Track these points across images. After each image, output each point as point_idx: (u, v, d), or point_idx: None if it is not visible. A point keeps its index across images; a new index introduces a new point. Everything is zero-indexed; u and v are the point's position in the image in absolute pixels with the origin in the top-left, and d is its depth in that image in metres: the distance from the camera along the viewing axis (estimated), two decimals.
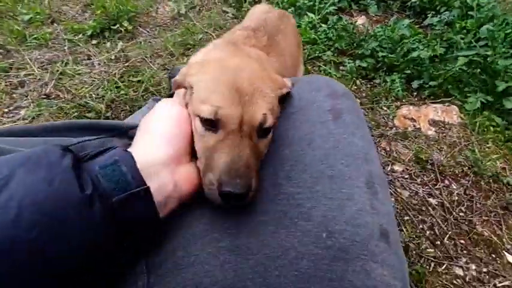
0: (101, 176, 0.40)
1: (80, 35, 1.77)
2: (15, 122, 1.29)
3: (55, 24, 1.86)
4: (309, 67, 1.69)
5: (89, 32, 1.77)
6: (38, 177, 0.36)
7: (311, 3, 2.05)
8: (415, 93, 1.55)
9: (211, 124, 0.53)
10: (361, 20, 2.15)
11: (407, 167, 1.24)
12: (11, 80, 1.44)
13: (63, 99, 1.40)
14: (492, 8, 1.80)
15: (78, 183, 0.38)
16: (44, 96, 1.40)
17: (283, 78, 0.66)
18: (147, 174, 0.43)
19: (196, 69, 0.61)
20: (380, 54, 1.60)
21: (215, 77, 0.58)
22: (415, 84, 1.53)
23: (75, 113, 1.33)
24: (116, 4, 1.93)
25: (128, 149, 0.47)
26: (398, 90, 1.50)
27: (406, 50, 1.61)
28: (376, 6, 2.17)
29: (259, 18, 1.11)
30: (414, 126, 1.38)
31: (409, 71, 1.55)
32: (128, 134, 0.61)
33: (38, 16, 1.87)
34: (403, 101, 1.52)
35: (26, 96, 1.39)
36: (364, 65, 1.63)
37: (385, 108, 1.47)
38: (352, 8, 2.24)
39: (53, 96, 1.41)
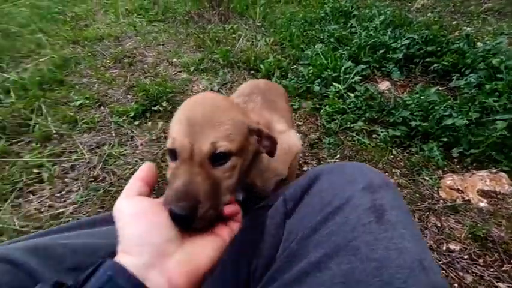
0: None
1: (124, 117, 1.93)
2: (65, 206, 1.35)
3: (102, 108, 2.05)
4: (342, 137, 1.71)
5: (132, 114, 1.93)
6: None
7: (336, 74, 2.16)
8: (456, 161, 1.51)
9: (173, 154, 0.61)
10: (385, 85, 2.22)
11: (465, 246, 1.15)
12: (63, 164, 1.55)
13: (109, 182, 1.47)
14: None
15: None
16: (92, 179, 1.48)
17: (260, 122, 0.75)
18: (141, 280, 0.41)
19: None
20: (413, 123, 1.60)
21: (178, 111, 0.67)
22: (455, 152, 1.50)
23: None
24: (156, 86, 2.12)
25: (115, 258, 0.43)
26: (438, 159, 1.47)
27: (438, 117, 1.61)
28: (399, 72, 2.25)
29: (250, 85, 1.30)
30: (463, 198, 1.31)
31: (445, 139, 1.53)
32: None
33: (87, 101, 2.08)
34: (445, 169, 1.48)
35: (76, 180, 1.47)
36: (398, 133, 1.63)
37: (427, 179, 1.42)
38: (375, 75, 2.33)
39: (100, 178, 1.50)
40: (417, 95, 1.78)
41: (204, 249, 0.49)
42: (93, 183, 1.46)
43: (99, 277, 0.39)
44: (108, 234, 0.68)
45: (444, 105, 1.66)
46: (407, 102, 1.73)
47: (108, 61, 2.71)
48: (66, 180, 1.47)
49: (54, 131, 1.75)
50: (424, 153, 1.52)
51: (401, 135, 1.63)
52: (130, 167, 1.56)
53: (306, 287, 0.48)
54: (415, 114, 1.67)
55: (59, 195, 1.40)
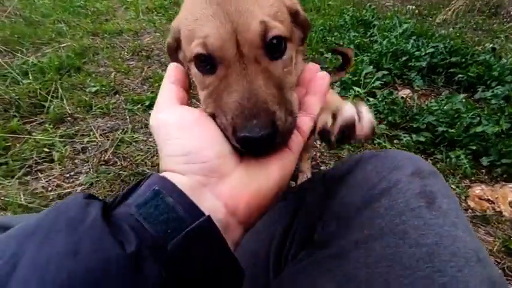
0: (142, 218, 0.29)
1: (139, 105, 1.89)
2: (73, 187, 1.30)
3: (117, 95, 2.03)
4: (362, 140, 1.65)
5: (147, 103, 1.90)
6: (57, 247, 0.26)
7: (356, 78, 2.11)
8: (484, 171, 1.43)
9: (207, 63, 0.44)
10: (405, 93, 2.16)
11: (498, 259, 1.06)
12: (75, 146, 1.52)
13: (120, 166, 1.42)
14: None
15: (115, 240, 0.27)
16: (103, 163, 1.44)
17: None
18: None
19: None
20: (439, 128, 1.54)
21: (195, 4, 0.46)
22: (484, 161, 1.42)
23: (131, 180, 1.33)
24: None
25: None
26: (466, 168, 1.39)
27: (465, 124, 1.54)
28: (421, 80, 2.19)
29: None
30: (493, 209, 1.23)
31: (474, 147, 1.46)
32: None
33: (103, 88, 2.06)
34: (472, 178, 1.40)
35: (87, 162, 1.43)
36: (422, 139, 1.56)
37: (454, 187, 1.35)
38: (396, 82, 2.27)
39: (111, 162, 1.45)
40: (442, 102, 1.72)
41: (268, 169, 0.39)
42: (103, 166, 1.41)
43: (142, 192, 0.32)
44: None
45: (471, 113, 1.59)
46: (433, 109, 1.67)
47: (126, 53, 2.71)
48: (76, 161, 1.43)
49: (69, 113, 1.72)
50: (451, 161, 1.45)
51: (425, 142, 1.56)
52: (142, 153, 1.52)
53: (346, 263, 0.44)
54: (441, 120, 1.60)
55: (67, 175, 1.36)
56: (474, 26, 3.47)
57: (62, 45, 2.48)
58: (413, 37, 2.61)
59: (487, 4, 3.73)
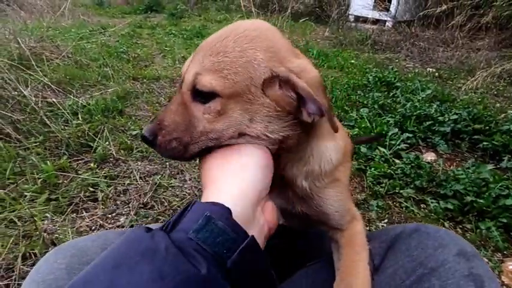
0: (201, 242, 0.35)
1: None
2: (114, 228, 1.38)
3: None
4: (390, 202, 1.68)
5: None
6: (144, 275, 0.30)
7: (382, 139, 2.20)
8: None
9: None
10: (430, 156, 2.21)
11: None
12: (117, 187, 1.62)
13: (158, 211, 1.50)
14: None
15: (189, 263, 0.32)
16: (142, 206, 1.52)
17: (301, 64, 0.53)
18: (244, 221, 0.40)
19: None
20: (467, 198, 1.56)
21: None
22: None
23: None
24: None
25: (205, 199, 0.44)
26: (497, 240, 1.39)
27: (494, 195, 1.56)
28: (445, 145, 2.25)
29: None
30: None
31: (505, 219, 1.46)
32: None
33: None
34: (505, 252, 1.38)
35: (127, 204, 1.52)
36: (450, 206, 1.58)
37: (486, 260, 1.34)
38: (419, 145, 2.34)
39: (149, 206, 1.53)
40: (469, 170, 1.75)
41: None
42: (142, 209, 1.49)
43: (195, 218, 0.37)
44: None
45: (500, 184, 1.61)
46: (460, 176, 1.70)
47: (163, 99, 2.94)
48: (118, 202, 1.52)
49: (112, 154, 1.86)
50: (481, 232, 1.45)
51: (454, 209, 1.58)
52: (178, 199, 1.60)
53: None
54: (468, 189, 1.63)
55: (110, 216, 1.44)
56: (495, 92, 3.58)
57: (109, 89, 2.73)
58: (436, 102, 2.73)
59: (507, 71, 3.87)
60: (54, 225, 1.29)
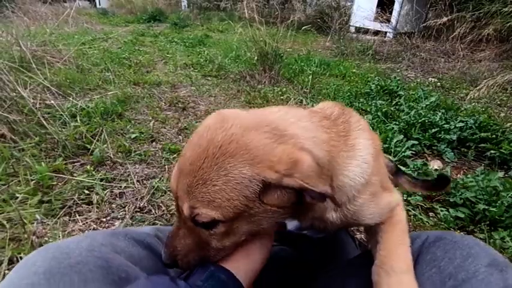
0: None
1: (175, 155, 1.97)
2: None
3: (154, 143, 2.12)
4: None
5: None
6: None
7: (386, 145, 2.15)
8: None
9: None
10: (436, 164, 2.15)
11: None
12: (113, 190, 1.56)
13: (155, 215, 1.43)
14: None
15: None
16: (138, 210, 1.45)
17: (288, 155, 0.48)
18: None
19: None
20: (479, 206, 1.49)
21: (192, 135, 0.57)
22: None
23: None
24: None
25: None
26: None
27: (506, 204, 1.49)
28: (452, 153, 2.19)
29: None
30: None
31: None
32: None
33: (142, 135, 2.17)
34: None
35: (123, 208, 1.45)
36: (460, 215, 1.52)
37: None
38: (425, 152, 2.29)
39: (146, 210, 1.47)
40: (478, 178, 1.70)
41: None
42: (138, 213, 1.43)
43: (202, 270, 0.54)
44: None
45: (511, 193, 1.55)
46: (469, 184, 1.64)
47: (163, 103, 2.90)
48: (113, 206, 1.46)
49: (110, 157, 1.80)
50: (495, 242, 1.38)
51: (464, 218, 1.51)
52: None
53: None
54: (479, 197, 1.57)
55: (104, 219, 1.37)
56: (498, 103, 3.55)
57: (109, 93, 2.69)
58: (441, 110, 2.69)
59: (509, 82, 3.85)
60: (44, 228, 1.22)
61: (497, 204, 1.49)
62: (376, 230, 0.67)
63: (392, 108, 2.82)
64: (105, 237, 0.58)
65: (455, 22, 5.31)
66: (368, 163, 0.62)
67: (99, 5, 11.35)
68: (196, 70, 4.18)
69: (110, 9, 10.29)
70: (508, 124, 2.55)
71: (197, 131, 0.56)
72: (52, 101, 2.29)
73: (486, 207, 1.49)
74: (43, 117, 1.95)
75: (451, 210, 1.57)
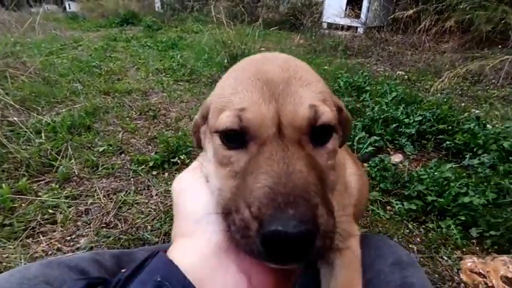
0: None
1: (143, 166, 1.98)
2: (73, 251, 1.33)
3: (123, 155, 2.13)
4: None
5: (151, 163, 1.99)
6: None
7: (349, 143, 2.24)
8: (475, 242, 1.46)
9: (237, 139, 0.38)
10: (398, 158, 2.26)
11: None
12: (79, 207, 1.57)
13: (121, 230, 1.46)
14: None
15: None
16: (104, 225, 1.48)
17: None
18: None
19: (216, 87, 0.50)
20: (429, 198, 1.60)
21: (235, 76, 0.44)
22: (474, 232, 1.46)
23: (131, 246, 1.36)
24: (176, 139, 2.22)
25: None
26: (456, 238, 1.42)
27: (454, 194, 1.61)
28: (411, 146, 2.31)
29: None
30: (486, 283, 1.24)
31: (463, 217, 1.51)
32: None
33: (110, 148, 2.17)
34: (464, 249, 1.42)
35: (89, 224, 1.47)
36: (413, 207, 1.62)
37: (445, 258, 1.37)
38: (387, 147, 2.40)
39: (112, 225, 1.49)
40: (431, 170, 1.81)
41: None
42: (104, 229, 1.45)
43: (147, 279, 0.33)
44: None
45: (459, 182, 1.67)
46: (422, 177, 1.75)
47: (134, 112, 2.89)
48: (78, 223, 1.47)
49: (75, 173, 1.80)
50: (442, 231, 1.49)
51: (417, 210, 1.61)
52: (143, 216, 1.56)
53: None
54: (430, 189, 1.67)
55: (69, 238, 1.39)
56: (460, 92, 3.73)
57: (76, 105, 2.66)
58: (403, 104, 2.81)
59: (470, 72, 4.05)
60: (4, 253, 1.23)
61: (446, 194, 1.60)
62: (332, 264, 0.60)
63: (358, 105, 2.92)
64: (38, 268, 0.61)
65: (420, 15, 5.50)
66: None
67: (69, 8, 10.98)
68: (168, 75, 4.16)
69: (80, 13, 9.98)
70: (465, 114, 2.70)
71: (243, 64, 0.49)
72: (15, 118, 2.25)
73: (435, 198, 1.59)
74: (4, 135, 1.93)
75: (405, 203, 1.67)
